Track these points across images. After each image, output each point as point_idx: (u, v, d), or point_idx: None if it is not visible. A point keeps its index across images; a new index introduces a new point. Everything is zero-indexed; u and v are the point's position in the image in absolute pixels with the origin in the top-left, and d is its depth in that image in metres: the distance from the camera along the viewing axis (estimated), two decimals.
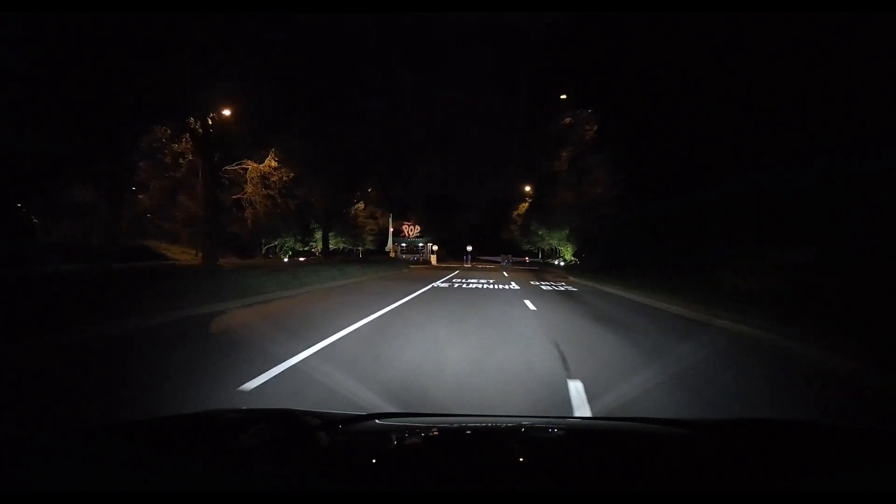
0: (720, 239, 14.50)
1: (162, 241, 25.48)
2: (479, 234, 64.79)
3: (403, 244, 50.48)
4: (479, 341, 5.38)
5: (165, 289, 7.50)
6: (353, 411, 1.84)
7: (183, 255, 24.17)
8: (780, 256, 12.24)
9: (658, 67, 19.01)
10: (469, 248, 43.20)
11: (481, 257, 59.31)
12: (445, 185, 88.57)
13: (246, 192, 27.04)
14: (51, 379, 3.67)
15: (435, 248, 47.05)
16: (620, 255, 21.97)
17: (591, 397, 3.30)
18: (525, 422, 1.70)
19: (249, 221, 27.26)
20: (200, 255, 24.64)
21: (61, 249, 18.49)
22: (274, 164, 26.70)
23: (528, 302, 9.87)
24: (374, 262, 28.54)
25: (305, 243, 35.98)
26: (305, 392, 3.27)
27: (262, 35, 25.55)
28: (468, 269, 30.77)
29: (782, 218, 12.72)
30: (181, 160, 22.52)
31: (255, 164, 26.76)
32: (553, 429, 1.47)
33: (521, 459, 1.13)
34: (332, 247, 41.46)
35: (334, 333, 5.42)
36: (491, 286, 14.44)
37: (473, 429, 1.41)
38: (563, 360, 4.55)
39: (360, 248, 47.88)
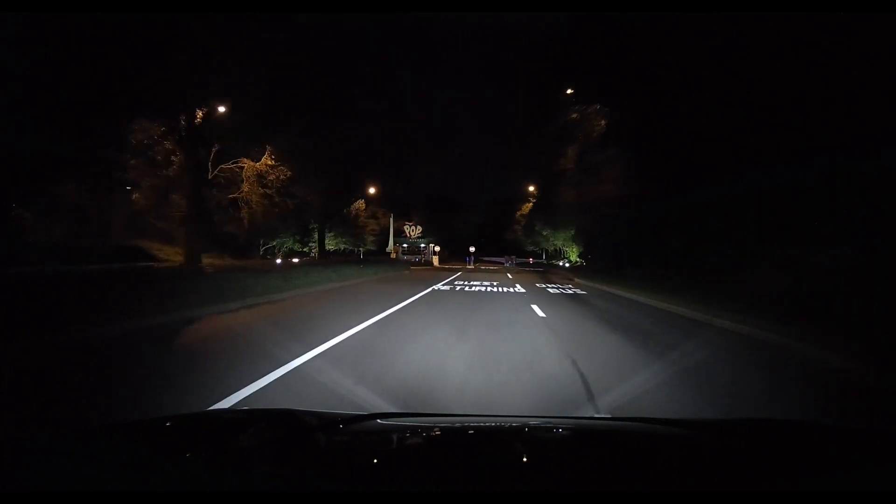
0: (740, 239, 13.62)
1: (156, 241, 24.77)
2: (482, 235, 63.98)
3: (405, 245, 49.71)
4: (482, 358, 4.56)
5: (126, 294, 6.71)
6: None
7: (177, 255, 23.41)
8: (809, 258, 11.41)
9: (671, 57, 18.33)
10: (472, 249, 42.32)
11: (484, 258, 58.57)
12: (448, 186, 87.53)
13: (242, 191, 26.36)
14: None
15: (437, 248, 46.20)
16: (629, 256, 21.12)
17: None
18: (526, 421, 1.62)
19: (246, 221, 26.55)
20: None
21: (48, 250, 17.82)
22: (270, 162, 26.00)
23: (535, 307, 9.03)
24: (373, 262, 27.75)
25: (304, 244, 35.22)
26: None
27: (256, 31, 24.92)
28: (471, 270, 29.92)
29: (810, 216, 11.85)
30: (173, 157, 21.81)
31: (252, 163, 26.07)
32: (554, 429, 1.46)
33: (521, 459, 1.11)
34: (332, 247, 40.77)
35: (312, 350, 4.60)
36: (495, 289, 13.61)
37: (474, 428, 1.41)
38: (585, 382, 3.74)
39: (360, 249, 47.15)
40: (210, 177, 26.19)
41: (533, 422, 1.65)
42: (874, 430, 1.45)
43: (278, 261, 23.91)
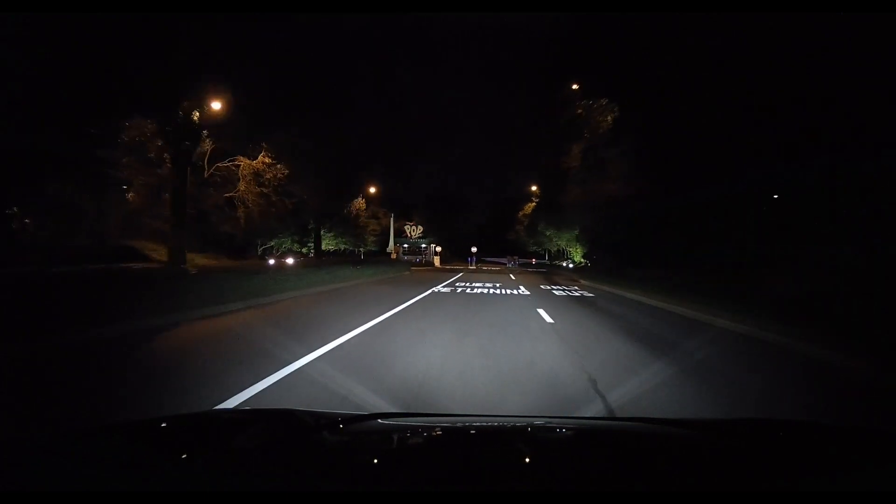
0: (754, 238, 12.92)
1: (151, 241, 24.14)
2: (484, 235, 63.32)
3: (405, 245, 49.08)
4: (485, 377, 3.89)
5: (90, 299, 6.05)
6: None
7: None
8: (829, 256, 10.71)
9: (675, 55, 17.81)
10: (473, 250, 41.57)
11: (486, 259, 57.92)
12: (449, 185, 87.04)
13: (238, 190, 25.76)
14: None
15: (438, 249, 45.54)
16: (634, 257, 20.43)
17: None
18: (526, 421, 1.59)
19: (242, 221, 25.94)
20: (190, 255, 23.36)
21: (37, 250, 17.22)
22: (267, 160, 25.39)
23: (542, 312, 8.37)
24: (373, 263, 27.10)
25: (303, 244, 34.59)
26: None
27: (254, 29, 24.41)
28: (473, 271, 29.25)
29: (830, 213, 11.16)
30: (166, 155, 21.21)
31: (248, 161, 25.48)
32: (554, 429, 1.45)
33: (521, 459, 1.10)
34: (332, 248, 40.17)
35: (286, 366, 3.95)
36: (498, 291, 12.95)
37: (475, 429, 1.41)
38: (609, 410, 3.09)
39: (361, 250, 46.50)
40: (206, 175, 25.63)
41: (533, 422, 1.62)
42: (874, 430, 1.44)
43: (271, 261, 23.21)
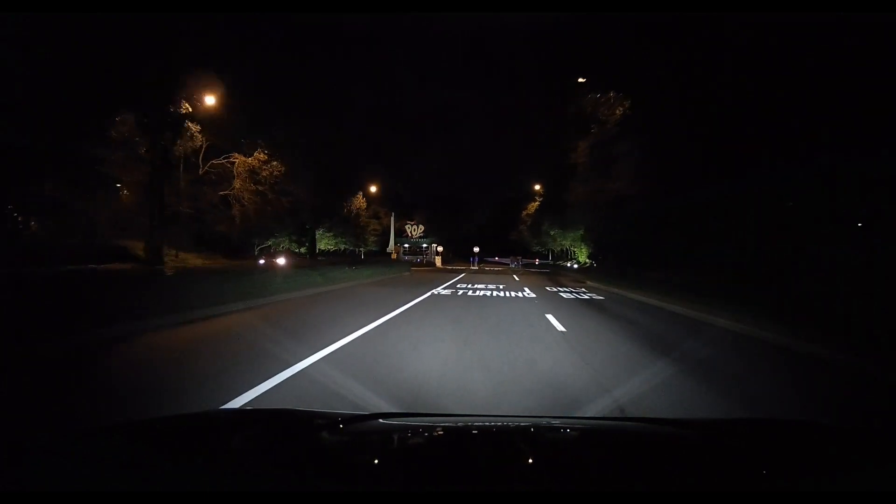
0: (778, 237, 12.07)
1: (143, 240, 23.40)
2: (487, 235, 62.51)
3: (406, 245, 48.33)
4: (489, 405, 3.09)
5: (45, 304, 5.26)
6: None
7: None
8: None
9: (687, 48, 17.06)
10: (476, 250, 40.70)
11: (489, 259, 57.16)
12: (452, 185, 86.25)
13: (234, 188, 25.06)
14: None
15: (440, 248, 44.73)
16: (644, 257, 19.58)
17: None
18: (527, 422, 1.56)
19: (237, 220, 25.24)
20: (177, 255, 22.65)
21: (26, 251, 16.52)
22: (263, 157, 24.68)
23: (550, 317, 7.56)
24: (372, 263, 26.29)
25: (301, 244, 33.85)
26: None
27: (253, 24, 23.79)
28: (475, 271, 28.43)
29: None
30: (144, 149, 20.47)
31: (244, 158, 24.77)
32: (555, 429, 1.43)
33: (522, 459, 1.09)
34: (331, 248, 39.44)
35: (244, 392, 3.16)
36: (501, 293, 12.15)
37: (475, 428, 1.40)
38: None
39: (361, 250, 45.77)
40: (201, 173, 24.95)
41: (534, 421, 1.60)
42: (874, 430, 1.52)
43: (261, 261, 22.45)
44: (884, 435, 1.31)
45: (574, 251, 36.27)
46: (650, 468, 1.01)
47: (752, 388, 3.93)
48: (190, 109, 19.79)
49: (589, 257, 32.16)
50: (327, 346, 4.75)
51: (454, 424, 1.46)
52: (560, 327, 6.61)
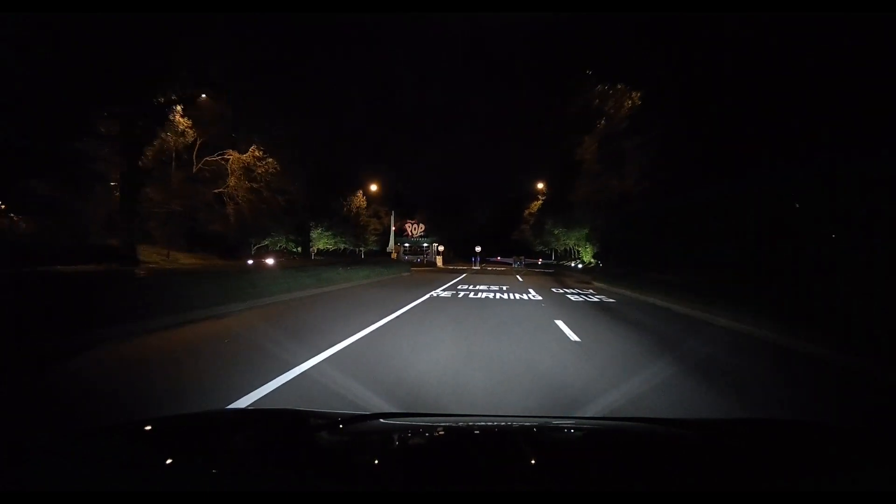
0: (800, 236, 11.24)
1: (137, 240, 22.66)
2: (488, 234, 61.65)
3: (406, 245, 47.56)
4: None
5: None
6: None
7: (154, 255, 21.43)
8: None
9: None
10: (478, 249, 39.89)
11: (491, 259, 56.39)
12: (453, 184, 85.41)
13: (228, 186, 24.34)
14: None
15: (441, 248, 43.93)
16: (654, 257, 18.74)
17: None
18: (527, 422, 1.56)
19: (232, 218, 24.52)
20: (168, 255, 21.93)
21: (10, 249, 15.79)
22: (258, 153, 23.94)
23: (561, 324, 6.77)
24: (371, 263, 25.46)
25: (299, 243, 33.08)
26: None
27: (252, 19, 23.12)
28: (477, 271, 27.65)
29: None
30: (147, 146, 19.77)
31: (238, 155, 24.05)
32: (555, 429, 1.44)
33: (522, 459, 1.07)
34: (330, 247, 38.66)
35: None
36: (505, 295, 11.36)
37: (475, 428, 1.40)
38: None
39: (362, 249, 44.98)
40: (194, 170, 24.25)
41: (534, 421, 1.61)
42: (874, 430, 1.49)
43: (249, 262, 21.69)
44: (884, 435, 1.31)
45: (578, 251, 35.39)
46: (650, 468, 0.99)
47: (769, 387, 3.12)
48: (174, 98, 18.94)
49: (594, 257, 31.30)
50: (322, 351, 3.99)
51: (454, 424, 1.45)
52: (573, 335, 5.81)
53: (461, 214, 64.78)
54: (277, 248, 30.17)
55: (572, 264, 36.50)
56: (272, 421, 1.30)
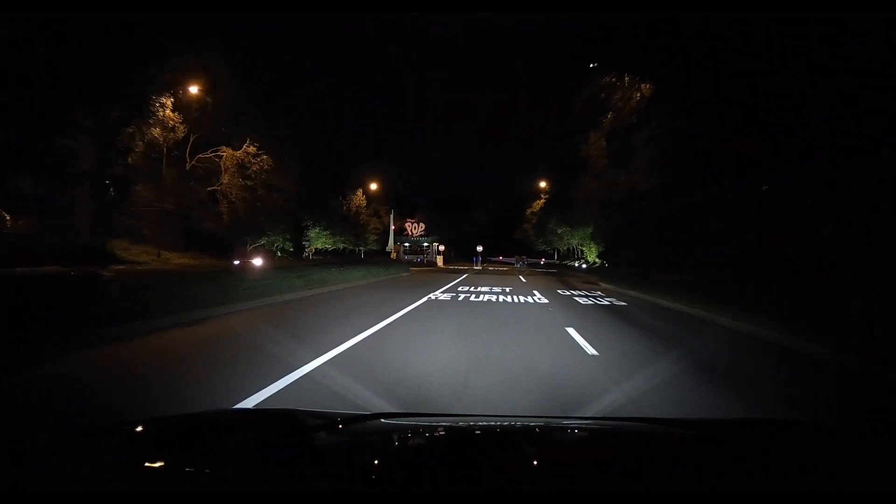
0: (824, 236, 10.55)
1: (125, 239, 21.94)
2: (490, 234, 60.94)
3: (407, 244, 46.83)
4: None
5: None
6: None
7: (145, 256, 20.73)
8: None
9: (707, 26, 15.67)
10: (479, 249, 39.08)
11: (492, 258, 55.67)
12: (455, 183, 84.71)
13: (222, 183, 23.64)
14: None
15: (441, 248, 43.16)
16: (665, 256, 17.98)
17: None
18: (527, 422, 1.55)
19: (226, 216, 23.80)
20: (159, 255, 21.23)
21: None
22: (252, 150, 23.23)
23: (573, 332, 6.00)
24: (369, 263, 24.74)
25: (297, 242, 32.36)
26: None
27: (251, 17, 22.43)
28: (478, 272, 26.87)
29: None
30: (136, 143, 19.06)
31: (231, 151, 23.34)
32: (556, 429, 1.42)
33: (522, 459, 1.08)
34: (329, 247, 37.94)
35: None
36: (508, 298, 10.60)
37: (476, 428, 1.38)
38: None
39: (361, 249, 44.26)
40: (188, 167, 23.55)
41: (534, 422, 1.58)
42: (874, 430, 1.46)
43: (236, 262, 20.96)
44: (884, 435, 1.30)
45: (583, 250, 34.58)
46: (651, 468, 0.99)
47: None
48: (168, 105, 18.23)
49: (599, 256, 30.49)
50: (296, 370, 3.23)
51: (455, 424, 1.43)
52: (590, 348, 5.03)
53: (462, 214, 64.04)
54: (274, 247, 29.45)
55: (576, 264, 35.69)
56: (272, 421, 1.30)
